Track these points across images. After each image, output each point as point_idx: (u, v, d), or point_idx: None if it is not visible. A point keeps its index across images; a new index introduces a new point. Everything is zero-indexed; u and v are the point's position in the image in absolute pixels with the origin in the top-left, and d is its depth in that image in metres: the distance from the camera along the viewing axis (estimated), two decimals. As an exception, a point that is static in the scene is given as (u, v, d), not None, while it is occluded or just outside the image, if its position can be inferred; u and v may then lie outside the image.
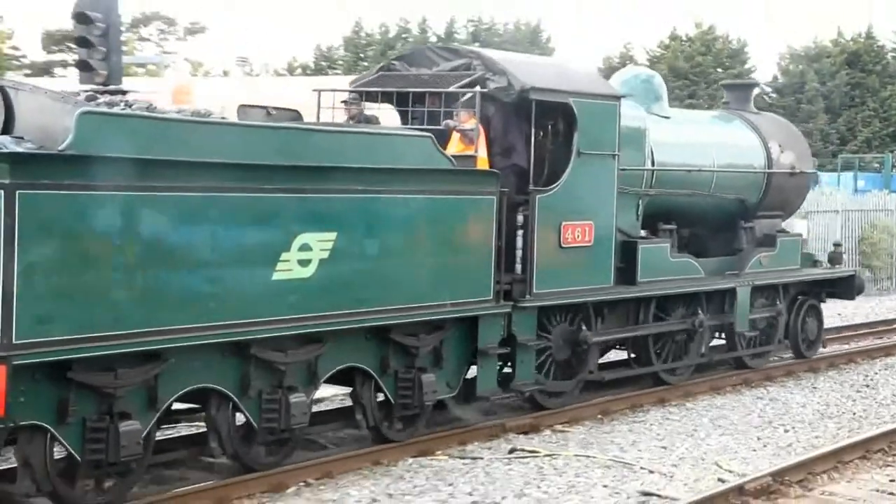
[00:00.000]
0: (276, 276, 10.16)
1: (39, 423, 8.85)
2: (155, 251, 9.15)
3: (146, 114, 9.54)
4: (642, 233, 15.59)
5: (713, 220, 17.17)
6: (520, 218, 12.81)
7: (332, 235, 10.57)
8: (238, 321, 9.85)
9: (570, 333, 13.85)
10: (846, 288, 18.58)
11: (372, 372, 11.49)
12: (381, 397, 11.82)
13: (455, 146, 12.48)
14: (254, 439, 10.68)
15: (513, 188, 12.84)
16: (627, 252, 14.57)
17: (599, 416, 14.63)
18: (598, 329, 14.25)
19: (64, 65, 58.10)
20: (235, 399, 10.29)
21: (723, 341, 17.22)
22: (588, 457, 12.40)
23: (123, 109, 9.58)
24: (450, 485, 11.14)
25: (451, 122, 12.60)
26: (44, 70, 59.81)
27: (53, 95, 9.53)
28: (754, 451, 13.18)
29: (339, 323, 10.73)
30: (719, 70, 70.13)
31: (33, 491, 9.26)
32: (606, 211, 13.79)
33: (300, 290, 10.32)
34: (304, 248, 10.34)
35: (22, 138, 8.59)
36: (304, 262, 10.34)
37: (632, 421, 14.56)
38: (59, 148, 8.35)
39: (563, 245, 13.18)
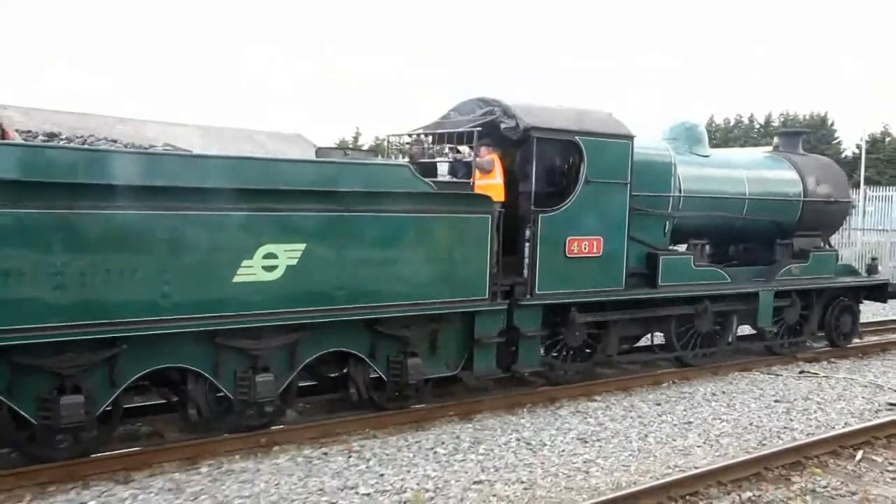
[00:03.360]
0: (237, 280, 6.96)
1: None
2: (78, 257, 6.29)
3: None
4: (676, 247, 11.28)
5: (752, 238, 12.41)
6: (527, 232, 9.03)
7: (301, 246, 7.27)
8: (193, 316, 6.81)
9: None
10: (880, 293, 13.31)
11: (362, 356, 8.07)
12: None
13: (476, 175, 8.92)
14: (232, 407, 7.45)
15: (527, 208, 9.12)
16: (651, 262, 10.37)
17: (860, 355, 13.26)
18: (616, 326, 10.15)
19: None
20: (210, 377, 7.18)
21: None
22: (852, 379, 11.52)
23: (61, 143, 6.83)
24: (760, 389, 10.73)
25: (457, 156, 9.24)
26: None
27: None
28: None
29: (303, 317, 7.39)
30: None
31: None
32: (617, 228, 9.65)
33: (264, 291, 7.11)
34: (269, 256, 7.10)
35: None
36: (269, 268, 7.12)
37: (882, 359, 13.17)
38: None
39: (569, 255, 9.22)
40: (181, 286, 6.75)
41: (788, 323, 12.16)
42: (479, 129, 8.88)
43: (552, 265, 9.09)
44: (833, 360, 12.68)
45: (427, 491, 6.64)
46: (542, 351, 9.54)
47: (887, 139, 56.22)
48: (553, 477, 7.07)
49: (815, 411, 9.64)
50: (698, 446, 8.12)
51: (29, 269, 6.11)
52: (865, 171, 41.95)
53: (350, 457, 7.40)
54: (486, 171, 9.06)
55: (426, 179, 8.18)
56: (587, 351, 10.20)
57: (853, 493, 6.99)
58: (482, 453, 7.63)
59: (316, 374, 8.95)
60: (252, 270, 7.06)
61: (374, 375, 8.36)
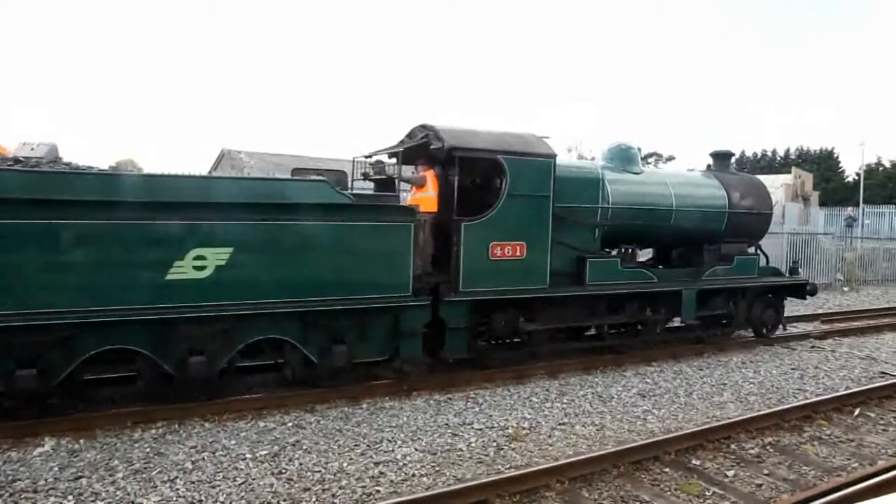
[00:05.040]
0: (169, 277, 6.50)
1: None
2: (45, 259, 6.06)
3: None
4: (610, 252, 10.07)
5: (684, 244, 11.09)
6: (455, 238, 8.18)
7: (228, 250, 6.74)
8: (129, 307, 6.38)
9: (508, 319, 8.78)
10: (799, 291, 11.77)
11: (294, 342, 7.39)
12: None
13: (413, 189, 8.46)
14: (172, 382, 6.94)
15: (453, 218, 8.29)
16: (580, 264, 9.32)
17: (858, 334, 12.94)
18: (539, 317, 9.06)
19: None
20: (154, 357, 6.72)
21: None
22: (852, 353, 11.19)
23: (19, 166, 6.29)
24: (780, 359, 10.48)
25: (412, 175, 8.56)
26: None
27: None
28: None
29: (230, 310, 6.80)
30: None
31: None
32: (540, 235, 8.65)
33: (194, 287, 6.62)
34: (199, 258, 6.61)
35: None
36: (199, 268, 6.62)
37: (876, 338, 12.62)
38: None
39: (492, 258, 8.34)
40: (121, 283, 6.34)
41: (714, 316, 10.85)
42: (402, 150, 8.18)
43: (476, 266, 8.25)
44: (837, 338, 12.46)
45: (524, 429, 6.93)
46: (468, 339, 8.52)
47: (880, 168, 55.00)
48: (619, 422, 7.32)
49: (822, 377, 9.58)
50: (731, 402, 8.22)
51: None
52: (864, 193, 40.63)
53: (467, 401, 7.80)
54: (420, 186, 8.37)
55: (345, 193, 7.50)
56: (517, 340, 9.19)
57: (851, 441, 7.06)
58: (565, 402, 7.91)
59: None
60: (183, 270, 6.57)
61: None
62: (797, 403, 7.89)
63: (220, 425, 6.72)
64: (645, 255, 11.95)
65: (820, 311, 15.45)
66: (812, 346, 11.50)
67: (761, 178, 21.63)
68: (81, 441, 6.19)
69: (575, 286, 9.25)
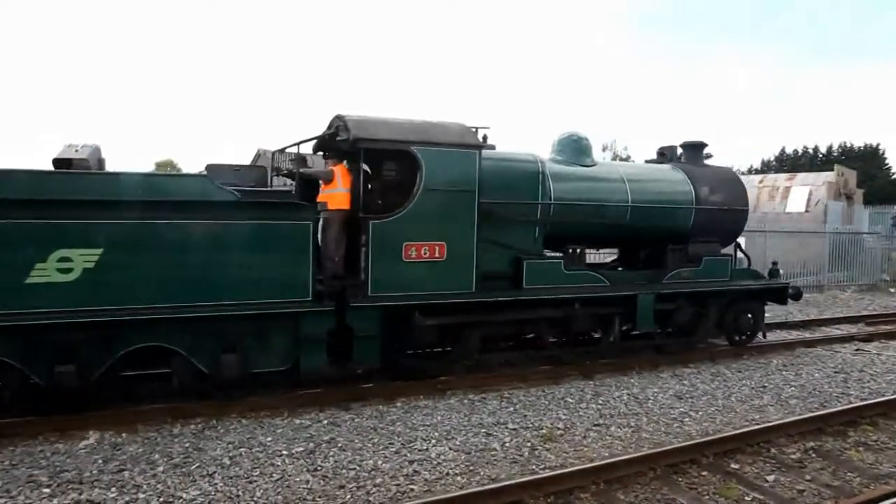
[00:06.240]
0: (30, 281, 6.26)
1: None
2: None
3: None
4: (550, 252, 9.52)
5: (642, 244, 10.40)
6: (363, 238, 7.73)
7: (98, 251, 6.47)
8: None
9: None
10: (780, 296, 10.95)
11: (179, 350, 7.05)
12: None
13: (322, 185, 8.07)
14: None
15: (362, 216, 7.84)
16: (517, 266, 8.82)
17: None
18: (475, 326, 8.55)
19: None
20: (18, 366, 6.49)
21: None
22: None
23: None
24: (822, 363, 10.31)
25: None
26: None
27: None
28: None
29: (101, 315, 6.50)
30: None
31: None
32: (463, 234, 8.16)
33: (59, 291, 6.36)
34: (64, 259, 6.36)
35: None
36: (64, 271, 6.37)
37: None
38: None
39: (406, 260, 7.87)
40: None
41: (679, 323, 10.09)
42: (300, 143, 7.82)
43: (387, 269, 7.79)
44: (883, 340, 12.27)
45: (559, 429, 7.01)
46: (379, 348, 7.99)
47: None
48: (655, 424, 7.32)
49: (868, 381, 9.41)
50: (771, 405, 8.15)
51: None
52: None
53: (502, 401, 7.94)
54: (328, 181, 8.00)
55: (229, 189, 7.07)
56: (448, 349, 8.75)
57: (899, 447, 6.94)
58: (601, 403, 7.98)
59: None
60: (46, 272, 6.31)
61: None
62: (841, 408, 7.78)
63: (257, 422, 7.06)
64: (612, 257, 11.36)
65: (865, 313, 15.16)
66: (856, 349, 11.30)
67: (802, 175, 20.76)
68: (124, 435, 6.57)
69: (510, 291, 8.74)
